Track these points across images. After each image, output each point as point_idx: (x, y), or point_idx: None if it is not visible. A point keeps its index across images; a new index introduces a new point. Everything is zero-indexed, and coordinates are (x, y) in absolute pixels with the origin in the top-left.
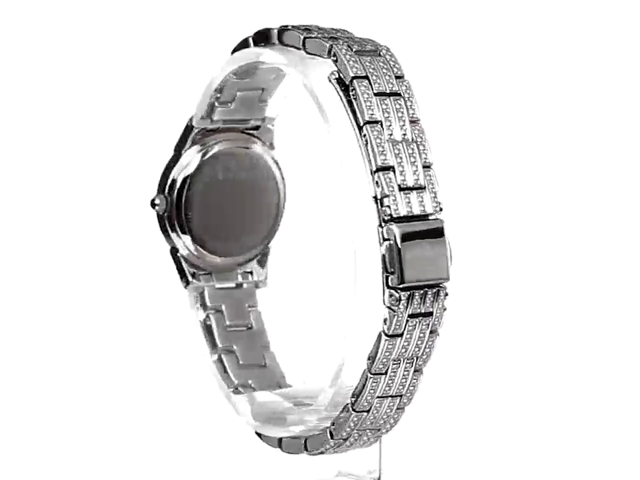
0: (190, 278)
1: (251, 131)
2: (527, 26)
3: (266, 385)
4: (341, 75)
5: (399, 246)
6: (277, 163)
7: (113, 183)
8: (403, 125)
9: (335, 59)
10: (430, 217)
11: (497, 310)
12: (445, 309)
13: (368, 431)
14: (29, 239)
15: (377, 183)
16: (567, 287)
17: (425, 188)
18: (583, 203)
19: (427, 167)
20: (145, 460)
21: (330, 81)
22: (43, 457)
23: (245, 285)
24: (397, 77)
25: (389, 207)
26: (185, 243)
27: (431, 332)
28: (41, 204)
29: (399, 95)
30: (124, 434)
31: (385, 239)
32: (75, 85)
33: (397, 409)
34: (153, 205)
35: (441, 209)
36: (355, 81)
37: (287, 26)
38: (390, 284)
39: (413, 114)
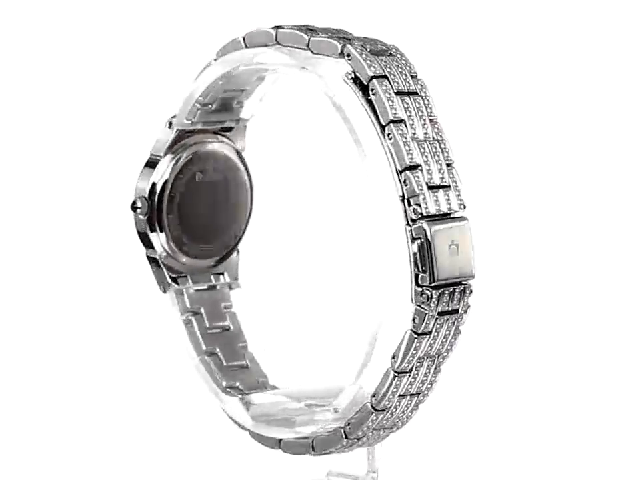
0: (169, 281)
1: (224, 132)
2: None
3: (253, 386)
4: (357, 74)
5: (432, 244)
6: (244, 163)
7: (87, 186)
8: (424, 124)
9: (349, 58)
10: (455, 215)
11: (500, 309)
12: (469, 306)
13: (382, 430)
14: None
15: (404, 181)
16: (579, 286)
17: (449, 186)
18: (591, 198)
19: (449, 165)
20: (134, 460)
21: (346, 80)
22: (36, 459)
23: (218, 287)
24: (411, 77)
25: (418, 205)
26: (160, 241)
27: (455, 329)
28: (16, 206)
29: (416, 93)
30: (117, 437)
31: (414, 238)
32: (45, 80)
33: (414, 407)
34: (135, 208)
35: (464, 207)
36: (374, 80)
37: (281, 26)
38: (420, 282)
39: (431, 112)
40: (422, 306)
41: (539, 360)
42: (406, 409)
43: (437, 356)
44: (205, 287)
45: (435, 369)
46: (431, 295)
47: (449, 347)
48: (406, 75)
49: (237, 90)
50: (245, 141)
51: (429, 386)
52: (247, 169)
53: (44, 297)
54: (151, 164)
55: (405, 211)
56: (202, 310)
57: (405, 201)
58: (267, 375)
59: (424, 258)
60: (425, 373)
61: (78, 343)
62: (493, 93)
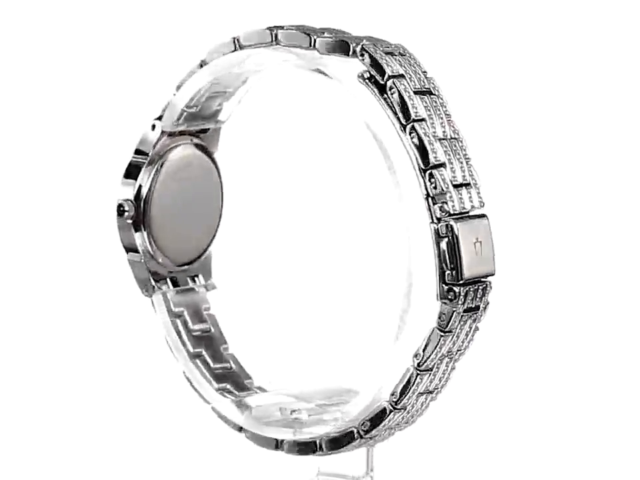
0: (154, 284)
1: (201, 134)
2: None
3: (242, 388)
4: (372, 74)
5: (459, 241)
6: (215, 164)
7: (68, 189)
8: (442, 122)
9: (362, 58)
10: (476, 212)
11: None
12: (488, 303)
13: (394, 428)
14: None
15: (430, 180)
16: (584, 286)
17: (470, 184)
18: (596, 196)
19: (467, 162)
20: (129, 463)
21: (361, 80)
22: (27, 459)
23: (195, 289)
24: (424, 76)
25: (445, 203)
26: (143, 241)
27: (475, 326)
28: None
29: (432, 92)
30: (114, 441)
31: (441, 236)
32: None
33: (427, 404)
34: (122, 211)
35: (483, 204)
36: (393, 79)
37: (280, 26)
38: (447, 280)
39: (446, 111)
40: (449, 304)
41: (536, 358)
42: (420, 406)
43: (455, 353)
44: (184, 290)
45: (452, 365)
46: (459, 292)
47: (467, 344)
48: (420, 74)
49: (221, 92)
50: (218, 143)
51: (445, 383)
52: (218, 170)
53: (25, 304)
54: (136, 167)
55: (430, 209)
56: (185, 313)
57: (430, 199)
58: (251, 376)
59: (451, 255)
60: (444, 370)
61: (69, 349)
62: (489, 92)
